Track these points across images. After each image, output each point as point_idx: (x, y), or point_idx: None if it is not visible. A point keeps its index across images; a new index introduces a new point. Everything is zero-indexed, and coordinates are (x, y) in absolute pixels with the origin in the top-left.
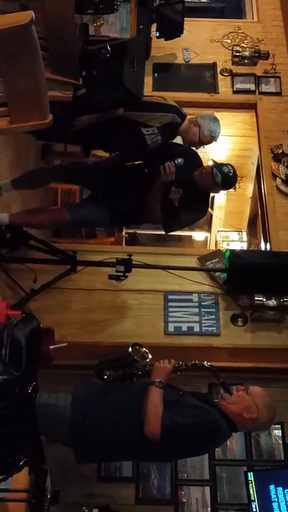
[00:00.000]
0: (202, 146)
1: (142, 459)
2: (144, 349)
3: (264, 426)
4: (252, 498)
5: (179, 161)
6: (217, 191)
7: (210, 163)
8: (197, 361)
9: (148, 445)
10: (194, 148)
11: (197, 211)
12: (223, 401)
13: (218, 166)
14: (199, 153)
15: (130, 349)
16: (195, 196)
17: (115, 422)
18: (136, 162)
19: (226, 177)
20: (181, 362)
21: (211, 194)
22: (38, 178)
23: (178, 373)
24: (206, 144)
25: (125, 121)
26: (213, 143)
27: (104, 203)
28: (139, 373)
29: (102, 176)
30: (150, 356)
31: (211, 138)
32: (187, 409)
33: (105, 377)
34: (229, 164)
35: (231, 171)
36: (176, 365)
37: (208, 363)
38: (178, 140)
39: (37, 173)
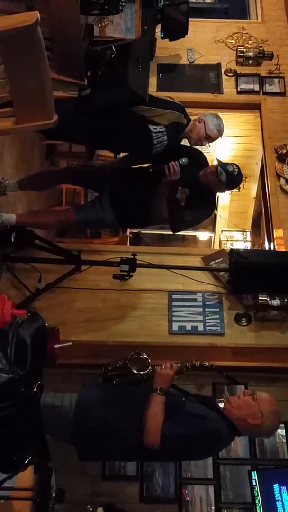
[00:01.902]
0: (208, 145)
1: (143, 461)
2: (145, 356)
3: (268, 433)
4: (256, 497)
5: (183, 160)
6: (222, 190)
7: (215, 162)
8: (197, 363)
9: (148, 450)
10: (201, 146)
11: (204, 210)
12: (228, 405)
13: (223, 165)
14: (204, 154)
15: (127, 361)
16: (202, 196)
17: (117, 426)
18: (143, 165)
19: (230, 176)
20: (184, 363)
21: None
22: (46, 180)
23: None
24: (214, 138)
25: (133, 117)
26: (219, 138)
27: (110, 205)
28: (145, 377)
29: (109, 178)
30: (150, 367)
31: (217, 132)
32: (188, 418)
33: (114, 382)
34: (234, 164)
35: (236, 170)
36: (178, 366)
37: (209, 363)
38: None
39: (44, 175)
